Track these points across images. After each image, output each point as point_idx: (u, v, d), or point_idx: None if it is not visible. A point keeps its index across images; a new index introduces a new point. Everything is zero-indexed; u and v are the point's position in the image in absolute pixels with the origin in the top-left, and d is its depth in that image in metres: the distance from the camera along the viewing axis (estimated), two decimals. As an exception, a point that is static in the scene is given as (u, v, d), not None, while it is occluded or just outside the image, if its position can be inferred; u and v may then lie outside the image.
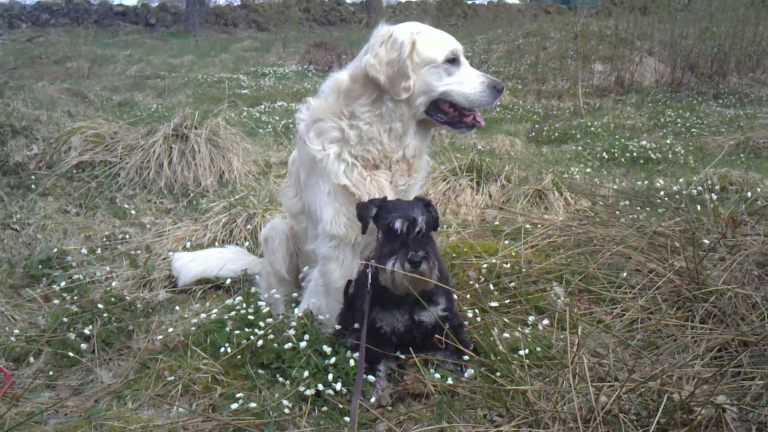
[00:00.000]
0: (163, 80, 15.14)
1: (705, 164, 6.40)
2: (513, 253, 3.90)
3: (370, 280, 2.89)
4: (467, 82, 3.05)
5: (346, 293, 3.20)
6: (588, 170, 6.69)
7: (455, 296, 3.14)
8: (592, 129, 8.79)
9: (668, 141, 7.70)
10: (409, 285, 2.68)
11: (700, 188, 5.14)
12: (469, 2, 36.61)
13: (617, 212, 4.67)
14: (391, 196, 3.06)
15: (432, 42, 3.06)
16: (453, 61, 3.06)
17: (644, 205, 4.91)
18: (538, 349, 2.98)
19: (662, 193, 5.20)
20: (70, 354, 3.33)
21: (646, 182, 5.87)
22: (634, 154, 7.24)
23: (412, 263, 2.64)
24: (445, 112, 3.11)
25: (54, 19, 32.14)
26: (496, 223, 4.85)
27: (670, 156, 7.17)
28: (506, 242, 4.16)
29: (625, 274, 3.64)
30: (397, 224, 2.69)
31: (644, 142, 7.66)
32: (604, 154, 7.36)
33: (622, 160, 7.17)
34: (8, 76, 13.66)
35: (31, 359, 3.35)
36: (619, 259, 3.84)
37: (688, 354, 2.92)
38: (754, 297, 3.21)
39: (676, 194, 5.16)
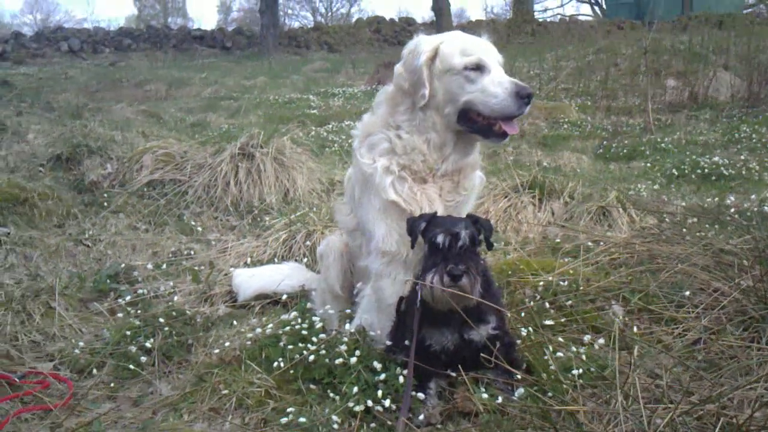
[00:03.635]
0: (236, 101, 15.55)
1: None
2: (571, 271, 3.82)
3: (419, 297, 2.89)
4: (490, 90, 2.95)
5: (398, 310, 3.19)
6: (656, 187, 6.52)
7: (507, 314, 3.10)
8: (662, 145, 8.56)
9: (742, 157, 7.43)
10: (450, 300, 2.65)
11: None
12: (540, 20, 36.33)
13: (684, 230, 4.53)
14: (441, 211, 3.05)
15: (455, 49, 3.03)
16: (476, 68, 2.99)
17: (713, 222, 4.75)
18: (592, 369, 2.91)
19: (733, 210, 5.02)
20: (131, 366, 3.42)
21: (716, 199, 5.67)
22: (706, 170, 7.02)
23: (452, 277, 2.62)
24: (474, 121, 3.04)
25: (135, 44, 33.42)
26: (557, 240, 4.77)
27: (743, 172, 6.91)
28: (565, 260, 4.09)
29: (688, 293, 3.52)
30: (440, 238, 2.67)
31: (716, 158, 7.41)
32: (674, 170, 7.15)
33: (693, 176, 6.95)
34: (89, 98, 14.30)
35: (94, 371, 3.46)
36: (683, 278, 3.72)
37: (751, 376, 2.80)
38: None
39: (747, 211, 4.98)
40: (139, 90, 18.10)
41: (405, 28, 37.14)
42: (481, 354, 2.84)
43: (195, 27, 39.44)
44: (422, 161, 3.08)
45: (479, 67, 2.99)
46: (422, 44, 3.08)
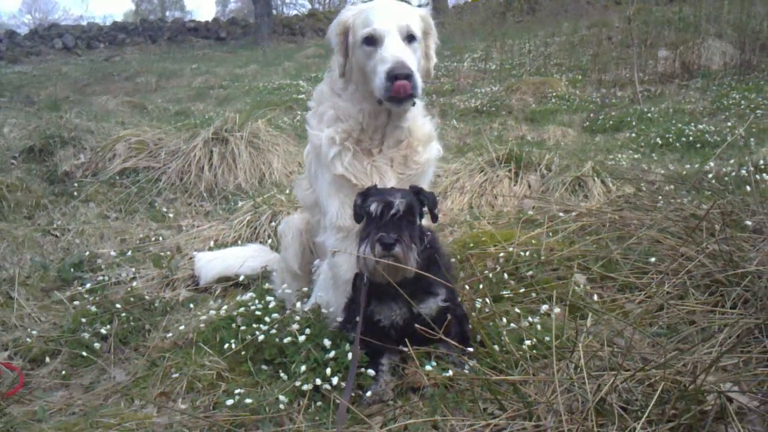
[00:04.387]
0: (226, 90, 15.45)
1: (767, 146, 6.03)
2: (534, 241, 3.72)
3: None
4: (376, 69, 2.76)
5: (354, 286, 3.11)
6: (637, 156, 6.39)
7: (456, 286, 3.01)
8: (648, 115, 8.41)
9: (729, 124, 7.29)
10: (385, 271, 2.55)
11: (752, 170, 4.82)
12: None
13: (660, 198, 4.42)
14: (393, 185, 2.95)
15: (361, 19, 2.90)
16: (371, 41, 2.82)
17: (690, 189, 4.63)
18: (547, 338, 2.82)
19: (710, 176, 4.91)
20: (84, 354, 3.35)
21: (696, 166, 5.55)
22: (690, 138, 6.88)
23: (384, 246, 2.50)
24: None
25: (130, 38, 33.29)
26: (530, 212, 4.66)
27: (728, 139, 6.77)
28: (533, 232, 3.99)
29: (653, 260, 3.42)
30: (372, 207, 2.56)
31: (702, 126, 7.28)
32: (658, 139, 7.02)
33: (677, 145, 6.82)
34: (78, 92, 14.22)
35: (47, 359, 3.39)
36: (650, 245, 3.61)
37: (713, 341, 2.71)
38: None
39: (725, 177, 4.86)
40: (129, 83, 18.03)
41: (400, 11, 36.82)
42: (429, 327, 2.75)
43: (189, 18, 39.25)
44: (360, 130, 2.99)
45: (373, 40, 2.82)
46: (340, 14, 3.01)
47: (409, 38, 2.86)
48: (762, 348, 2.62)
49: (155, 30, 34.47)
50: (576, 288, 3.28)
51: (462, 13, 34.34)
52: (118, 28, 34.38)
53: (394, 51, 2.73)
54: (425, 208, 2.78)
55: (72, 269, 4.42)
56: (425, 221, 2.92)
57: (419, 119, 3.13)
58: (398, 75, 2.65)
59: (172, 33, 34.32)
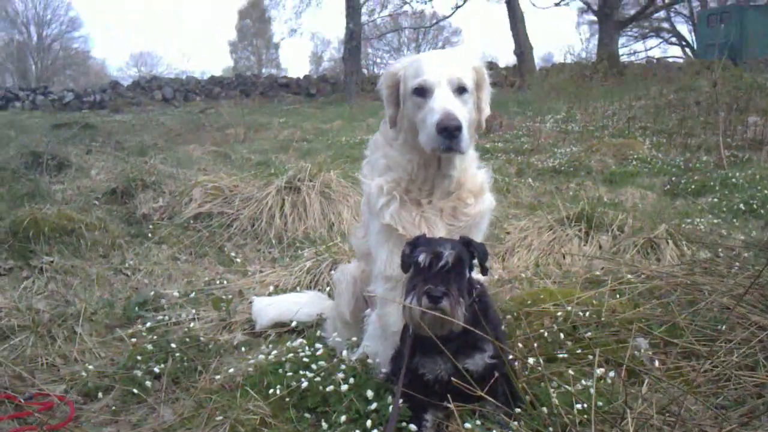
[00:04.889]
0: (309, 143, 15.78)
1: None
2: (594, 302, 3.58)
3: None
4: (426, 119, 2.75)
5: (402, 338, 3.05)
6: (716, 221, 6.12)
7: (505, 343, 2.91)
8: (733, 180, 8.08)
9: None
10: (430, 324, 2.49)
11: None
12: (626, 62, 35.63)
13: (736, 264, 4.20)
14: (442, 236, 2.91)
15: (411, 70, 2.89)
16: (421, 92, 2.80)
17: (771, 257, 4.39)
18: (600, 404, 2.67)
19: (794, 243, 4.65)
20: (135, 391, 3.39)
21: (779, 234, 5.27)
22: (776, 205, 6.57)
23: (431, 298, 2.44)
24: None
25: (225, 92, 34.65)
26: (597, 273, 4.51)
27: (816, 207, 6.44)
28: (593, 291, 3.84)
29: (723, 328, 3.23)
30: (420, 258, 2.51)
31: (790, 194, 6.95)
32: (742, 205, 6.72)
33: (762, 212, 6.50)
34: (168, 141, 14.81)
35: (101, 395, 3.44)
36: (720, 312, 3.42)
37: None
38: None
39: (811, 245, 4.59)
40: (219, 133, 18.62)
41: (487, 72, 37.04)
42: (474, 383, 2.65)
43: (282, 75, 40.59)
44: (409, 180, 2.97)
45: (423, 91, 2.81)
46: (387, 68, 3.06)
47: (460, 90, 2.84)
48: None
49: (249, 84, 35.78)
50: (636, 353, 3.12)
51: (548, 74, 34.35)
52: (215, 82, 35.86)
53: (443, 103, 2.72)
54: (475, 260, 2.72)
55: (137, 308, 4.51)
56: (476, 274, 2.85)
57: (470, 170, 3.09)
58: (447, 127, 2.63)
59: (264, 88, 35.54)
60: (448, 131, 2.64)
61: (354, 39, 31.21)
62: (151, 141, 13.67)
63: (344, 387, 2.89)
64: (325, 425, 2.85)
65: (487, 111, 3.07)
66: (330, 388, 2.93)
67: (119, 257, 5.60)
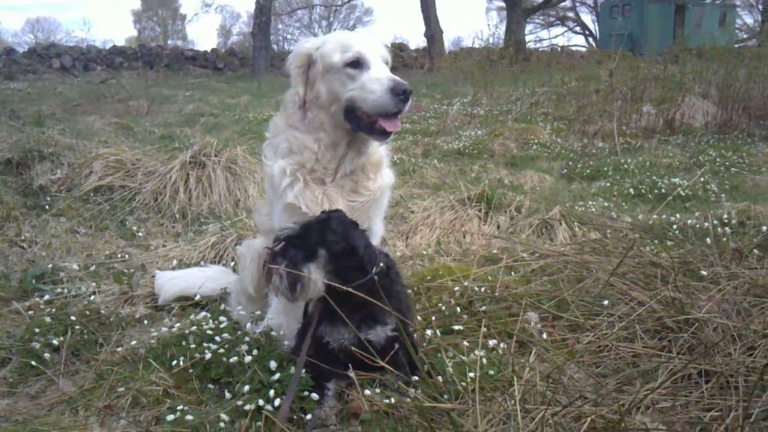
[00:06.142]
0: (216, 118, 15.52)
1: (737, 202, 6.12)
2: (490, 278, 3.76)
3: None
4: (368, 87, 2.90)
5: (305, 312, 3.13)
6: (607, 204, 6.47)
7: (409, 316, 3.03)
8: (625, 166, 8.53)
9: (702, 179, 7.40)
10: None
11: (716, 222, 4.89)
12: (531, 49, 36.53)
13: (623, 245, 4.48)
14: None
15: (335, 46, 3.00)
16: (356, 64, 2.95)
17: (655, 238, 4.70)
18: (491, 372, 2.84)
19: (675, 226, 4.98)
20: (33, 363, 3.33)
21: (663, 216, 5.62)
22: (663, 190, 6.98)
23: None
24: (360, 119, 2.99)
25: (127, 62, 33.49)
26: (494, 251, 4.71)
27: (700, 193, 6.89)
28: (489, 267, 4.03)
29: (606, 303, 3.46)
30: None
31: (676, 180, 7.39)
32: (631, 190, 7.12)
33: (650, 196, 6.91)
34: (66, 111, 14.27)
35: (-4, 367, 3.37)
36: (606, 289, 3.66)
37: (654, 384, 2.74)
38: (736, 328, 3.00)
39: (690, 228, 4.93)
40: (121, 105, 18.04)
41: (398, 54, 37.32)
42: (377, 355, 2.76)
43: (188, 48, 39.63)
44: (315, 161, 3.06)
45: (359, 63, 2.95)
46: (296, 47, 3.14)
47: (386, 65, 3.02)
48: (700, 393, 2.66)
49: (153, 56, 34.73)
50: (526, 325, 3.31)
51: (457, 58, 34.88)
52: (117, 51, 34.62)
53: (386, 72, 2.93)
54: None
55: (33, 281, 4.40)
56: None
57: (373, 145, 3.20)
58: (406, 89, 2.84)
59: (169, 60, 34.59)
60: (406, 93, 2.84)
61: (264, 14, 30.75)
62: (49, 111, 13.16)
63: (248, 358, 2.95)
64: (228, 395, 2.90)
65: None
66: (234, 359, 2.98)
67: (14, 229, 5.42)
